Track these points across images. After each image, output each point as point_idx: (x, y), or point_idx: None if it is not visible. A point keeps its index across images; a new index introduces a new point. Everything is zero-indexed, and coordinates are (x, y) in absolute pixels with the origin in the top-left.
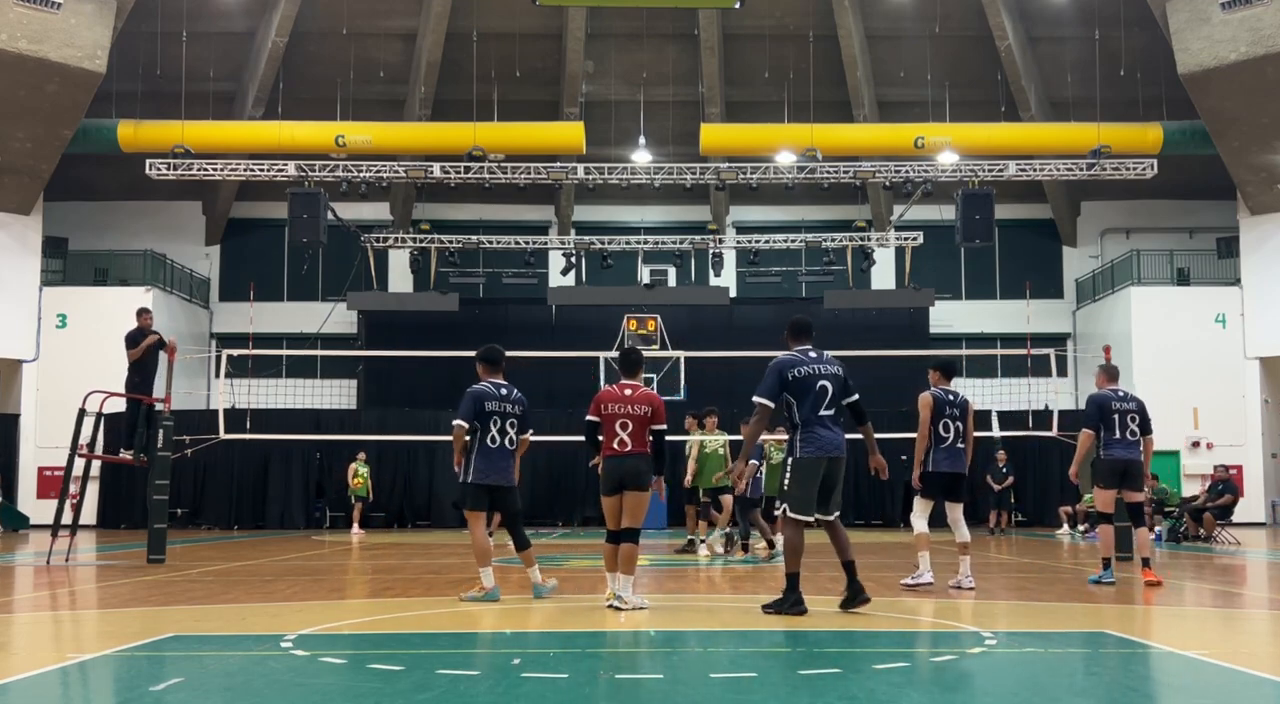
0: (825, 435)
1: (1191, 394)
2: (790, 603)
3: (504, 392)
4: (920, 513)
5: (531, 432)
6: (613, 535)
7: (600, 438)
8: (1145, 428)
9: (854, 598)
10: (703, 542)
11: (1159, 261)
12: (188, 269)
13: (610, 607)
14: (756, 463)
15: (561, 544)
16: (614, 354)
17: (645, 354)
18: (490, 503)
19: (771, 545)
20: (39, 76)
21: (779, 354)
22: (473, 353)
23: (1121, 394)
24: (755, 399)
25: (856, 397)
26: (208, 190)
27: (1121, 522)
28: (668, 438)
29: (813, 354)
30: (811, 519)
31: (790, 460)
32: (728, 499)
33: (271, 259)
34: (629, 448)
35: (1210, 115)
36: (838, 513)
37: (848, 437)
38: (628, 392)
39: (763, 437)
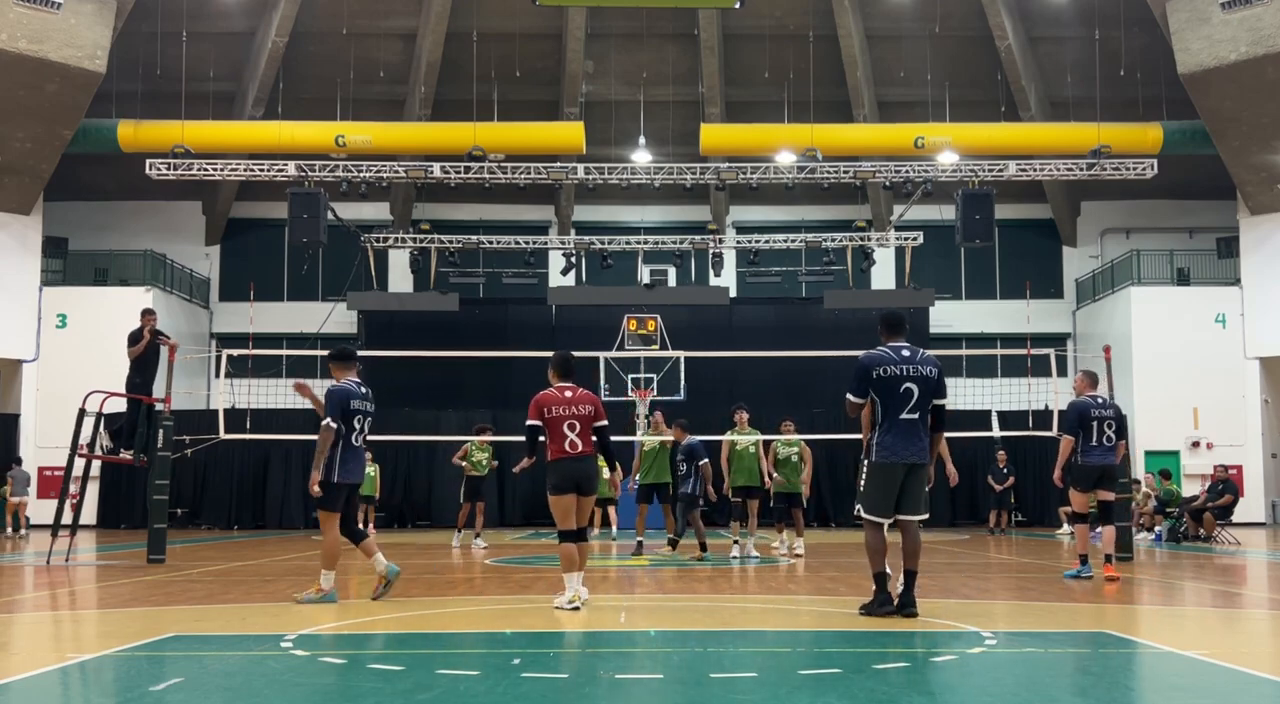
0: (901, 441)
1: (1191, 394)
2: (879, 603)
3: (363, 391)
4: None
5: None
6: (576, 534)
7: (541, 439)
8: (1120, 433)
9: (903, 608)
10: (736, 542)
11: (1159, 261)
12: (188, 269)
13: (574, 607)
14: (707, 461)
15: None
16: (615, 354)
17: (645, 354)
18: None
19: (704, 547)
20: (39, 76)
21: (860, 353)
22: (473, 353)
23: (1101, 401)
24: (847, 396)
25: (944, 402)
26: (208, 190)
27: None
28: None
29: (905, 352)
30: (888, 521)
31: (866, 463)
32: (753, 503)
33: (271, 259)
34: (580, 449)
35: (1210, 115)
36: (921, 516)
37: (822, 436)
38: (568, 394)
39: (726, 436)
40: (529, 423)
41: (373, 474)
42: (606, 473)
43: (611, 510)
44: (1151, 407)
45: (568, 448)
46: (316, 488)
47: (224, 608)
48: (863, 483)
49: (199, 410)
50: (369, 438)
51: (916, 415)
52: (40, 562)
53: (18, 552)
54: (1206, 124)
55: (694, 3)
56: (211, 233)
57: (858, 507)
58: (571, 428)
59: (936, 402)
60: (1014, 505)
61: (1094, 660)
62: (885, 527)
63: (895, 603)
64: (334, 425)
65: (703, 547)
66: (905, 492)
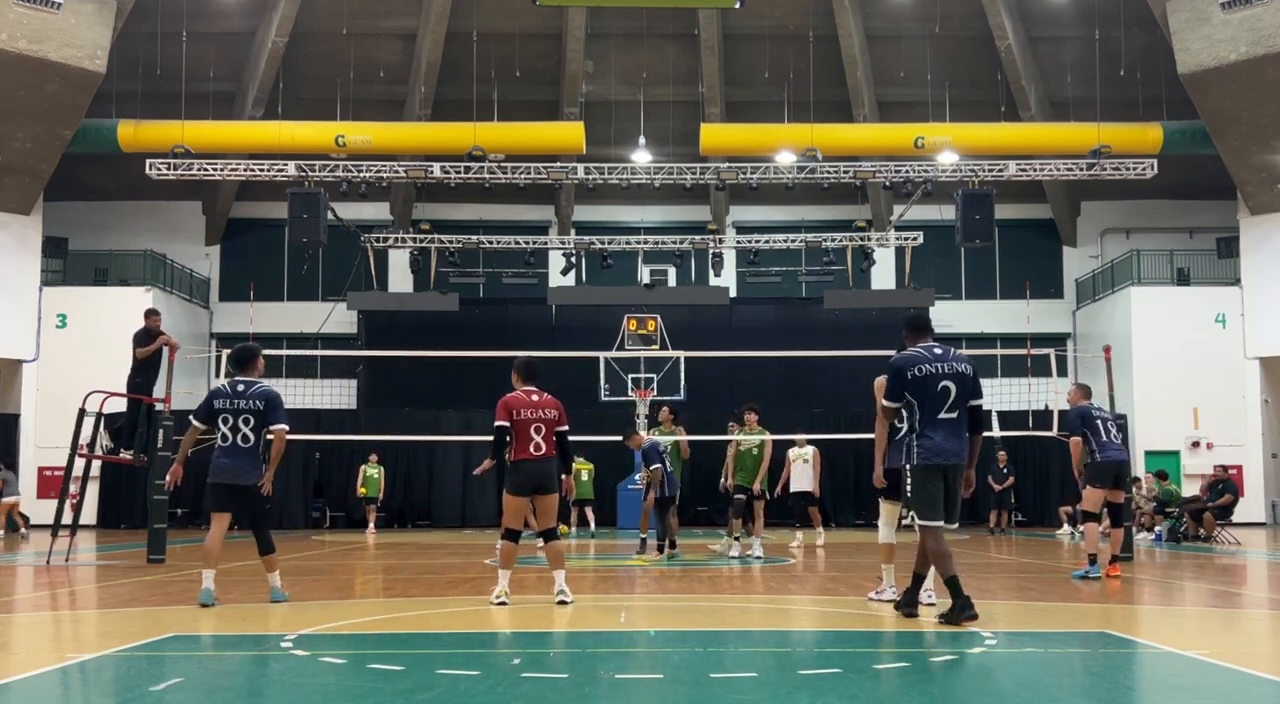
0: (941, 442)
1: (1191, 394)
2: (959, 609)
3: (240, 388)
4: (888, 520)
5: (285, 429)
6: (513, 533)
7: (507, 440)
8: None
9: (903, 607)
10: (737, 539)
11: (1159, 261)
12: (188, 269)
13: (558, 602)
14: (659, 466)
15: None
16: (615, 354)
17: (645, 354)
18: (229, 502)
19: (673, 545)
20: (39, 76)
21: (894, 354)
22: (473, 353)
23: (1098, 407)
24: (881, 402)
25: (980, 401)
26: (208, 190)
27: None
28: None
29: (937, 351)
30: (941, 523)
31: (908, 468)
32: (757, 503)
33: (271, 259)
34: (543, 451)
35: (1210, 115)
36: (952, 524)
37: (821, 436)
38: (534, 397)
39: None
40: (497, 424)
41: (375, 475)
42: (585, 476)
43: (589, 510)
44: (1151, 407)
45: (532, 450)
46: (169, 480)
47: (224, 608)
48: (909, 489)
49: None
50: (366, 437)
51: (955, 415)
52: (40, 562)
53: (17, 551)
54: (1206, 124)
55: (694, 3)
56: (211, 233)
57: (910, 514)
58: (537, 430)
59: (973, 402)
60: (1014, 505)
61: (1094, 660)
62: (943, 529)
63: (955, 608)
64: (195, 424)
65: (671, 544)
66: (944, 495)
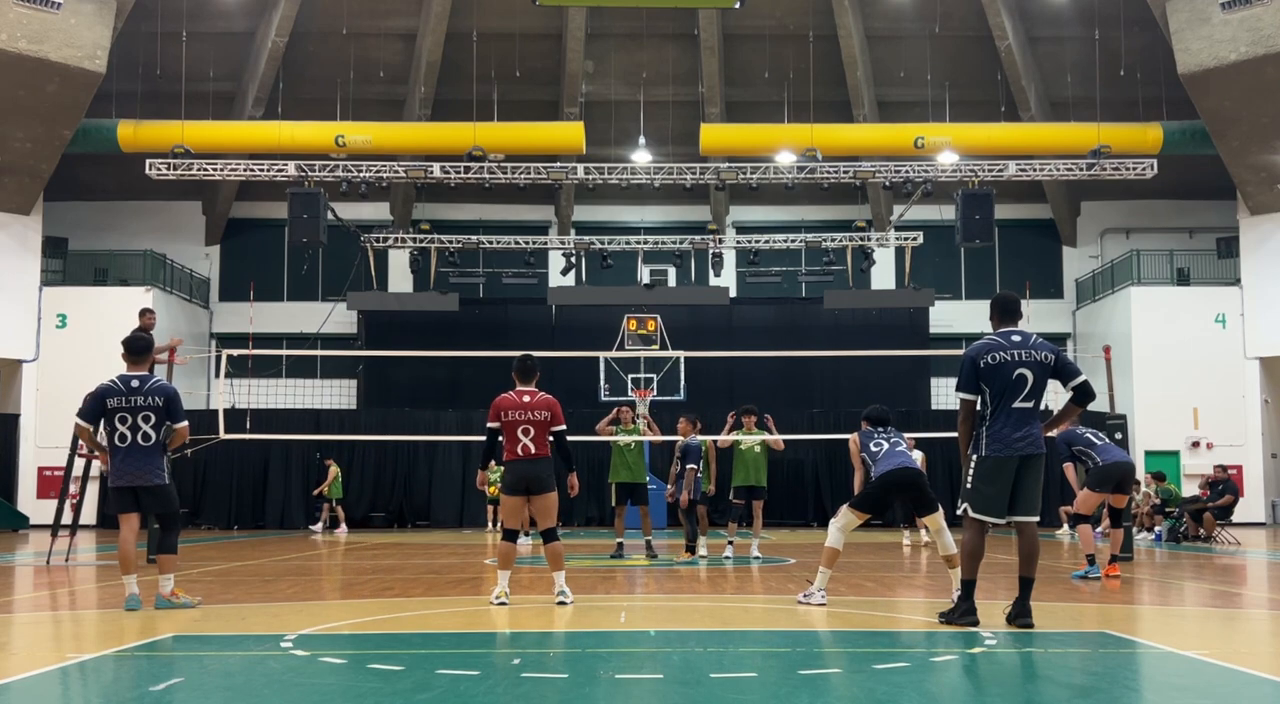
0: (1015, 433)
1: (1191, 394)
2: (962, 612)
3: (134, 384)
4: (843, 525)
5: (186, 423)
6: (511, 534)
7: (500, 439)
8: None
9: (1019, 617)
10: (731, 542)
11: (1159, 261)
12: (188, 269)
13: (558, 603)
14: (695, 466)
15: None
16: (615, 354)
17: (645, 354)
18: (135, 504)
19: (693, 550)
20: (39, 76)
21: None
22: (473, 353)
23: (1081, 427)
24: (956, 394)
25: (1081, 378)
26: (208, 190)
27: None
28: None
29: (1015, 337)
30: (998, 522)
31: (975, 458)
32: (757, 504)
33: (271, 259)
34: (532, 452)
35: (1210, 115)
36: (1034, 517)
37: (821, 436)
38: (526, 399)
39: (703, 436)
40: (488, 425)
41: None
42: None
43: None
44: (1151, 407)
45: (520, 451)
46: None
47: (224, 608)
48: (970, 479)
49: (199, 410)
50: (367, 438)
51: (1031, 404)
52: (40, 562)
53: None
54: (1206, 124)
55: (694, 3)
56: (211, 233)
57: (963, 504)
58: (525, 432)
59: (1073, 384)
60: None
61: (1094, 660)
62: (989, 528)
63: (958, 611)
64: (81, 424)
65: (692, 548)
66: (1020, 488)
